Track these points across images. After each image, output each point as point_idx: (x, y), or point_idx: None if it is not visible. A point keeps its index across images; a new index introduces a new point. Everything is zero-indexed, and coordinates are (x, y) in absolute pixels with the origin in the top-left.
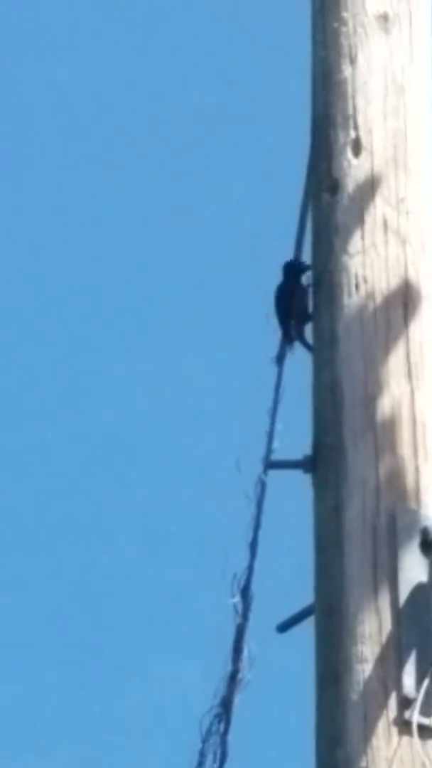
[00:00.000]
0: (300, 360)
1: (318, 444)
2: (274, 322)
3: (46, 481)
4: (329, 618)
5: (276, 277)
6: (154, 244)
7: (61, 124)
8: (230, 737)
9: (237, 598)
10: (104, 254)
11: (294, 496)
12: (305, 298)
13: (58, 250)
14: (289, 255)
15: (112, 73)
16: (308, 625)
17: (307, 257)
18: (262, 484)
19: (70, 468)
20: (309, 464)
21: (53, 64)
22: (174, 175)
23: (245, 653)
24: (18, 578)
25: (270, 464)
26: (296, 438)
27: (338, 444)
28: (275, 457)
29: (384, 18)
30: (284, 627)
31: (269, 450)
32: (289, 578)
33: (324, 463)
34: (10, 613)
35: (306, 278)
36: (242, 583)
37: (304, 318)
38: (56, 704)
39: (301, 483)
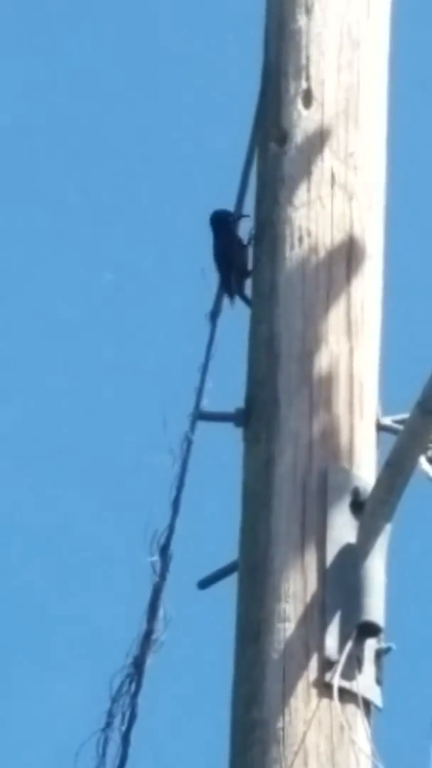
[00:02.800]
0: (236, 317)
1: (251, 398)
2: (210, 276)
3: None
4: (253, 575)
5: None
6: (89, 187)
7: None
8: (141, 699)
9: (155, 557)
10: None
11: (222, 452)
12: (246, 252)
13: None
14: (230, 205)
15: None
16: (230, 584)
17: (248, 209)
18: (188, 441)
19: None
20: (241, 418)
21: None
22: (113, 116)
23: (161, 613)
24: None
25: (200, 416)
26: (227, 396)
27: (272, 399)
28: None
29: None
30: (205, 583)
31: (198, 405)
32: (212, 536)
33: (257, 417)
34: None
35: (243, 230)
36: (162, 541)
37: (244, 272)
38: None
39: (230, 438)
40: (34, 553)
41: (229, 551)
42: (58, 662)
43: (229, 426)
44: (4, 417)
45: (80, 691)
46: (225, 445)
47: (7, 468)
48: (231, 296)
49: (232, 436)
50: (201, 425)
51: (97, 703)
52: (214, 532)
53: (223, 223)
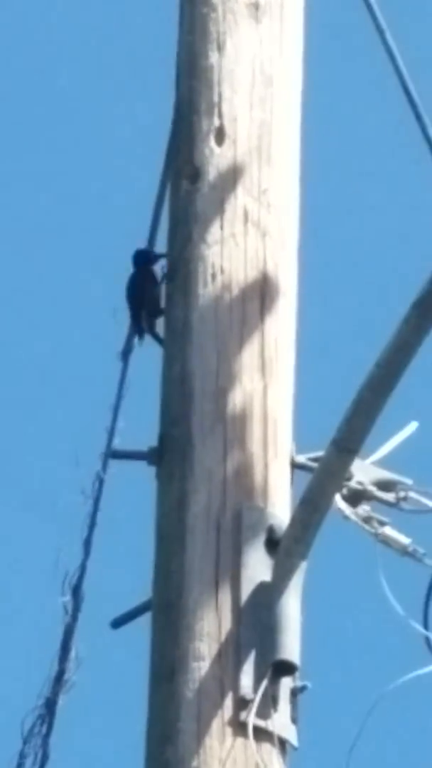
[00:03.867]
0: (149, 355)
1: (164, 436)
2: (122, 315)
3: None
4: (167, 613)
5: (129, 268)
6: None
7: None
8: (53, 739)
9: (67, 597)
10: None
11: (134, 491)
12: (158, 290)
13: None
14: (142, 243)
15: None
16: (143, 624)
17: (161, 246)
18: (100, 480)
19: None
20: (154, 456)
21: None
22: (26, 154)
23: (73, 653)
24: None
25: (113, 454)
26: (139, 436)
27: (186, 437)
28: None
29: (255, 6)
30: (119, 622)
31: (110, 444)
32: (125, 576)
33: (170, 455)
34: None
35: (160, 269)
36: (73, 581)
37: (156, 310)
38: None
39: (143, 477)
40: None
41: (141, 590)
42: None
43: (141, 465)
44: None
45: None
46: (137, 484)
47: None
48: (141, 335)
49: (144, 475)
50: (113, 464)
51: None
52: (126, 572)
53: (141, 260)
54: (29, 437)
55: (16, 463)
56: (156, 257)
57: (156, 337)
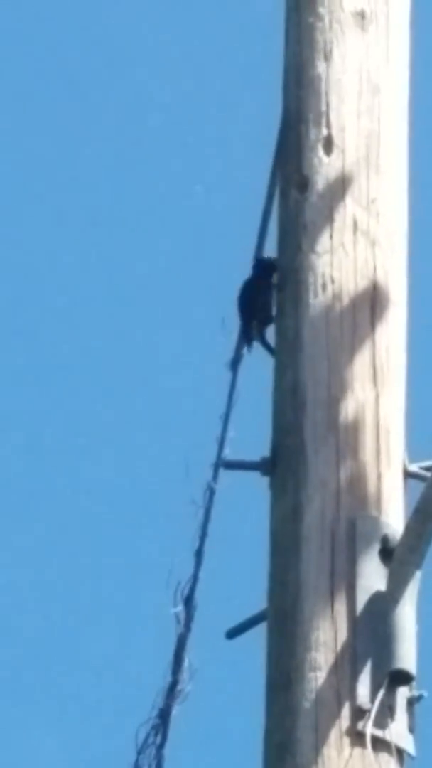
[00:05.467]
0: (257, 364)
1: (277, 446)
2: (231, 325)
3: None
4: (283, 624)
5: (236, 277)
6: (109, 238)
7: None
8: (168, 751)
9: (179, 608)
10: (57, 251)
11: (246, 501)
12: (270, 299)
13: None
14: (250, 253)
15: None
16: (255, 635)
17: (269, 255)
18: (211, 491)
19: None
20: (267, 466)
21: None
22: (134, 164)
23: (186, 664)
24: None
25: (225, 465)
26: (250, 446)
27: (299, 446)
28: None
29: (361, 15)
30: (234, 633)
31: (220, 454)
32: (238, 586)
33: (283, 465)
34: None
35: (274, 277)
36: (186, 591)
37: (267, 319)
38: None
39: (255, 487)
40: (56, 600)
41: (255, 601)
42: (81, 711)
43: (253, 475)
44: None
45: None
46: (249, 494)
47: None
48: (249, 344)
49: (256, 485)
50: (225, 475)
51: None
52: (240, 582)
53: (258, 268)
54: (140, 448)
55: (128, 473)
56: (275, 265)
57: (267, 345)
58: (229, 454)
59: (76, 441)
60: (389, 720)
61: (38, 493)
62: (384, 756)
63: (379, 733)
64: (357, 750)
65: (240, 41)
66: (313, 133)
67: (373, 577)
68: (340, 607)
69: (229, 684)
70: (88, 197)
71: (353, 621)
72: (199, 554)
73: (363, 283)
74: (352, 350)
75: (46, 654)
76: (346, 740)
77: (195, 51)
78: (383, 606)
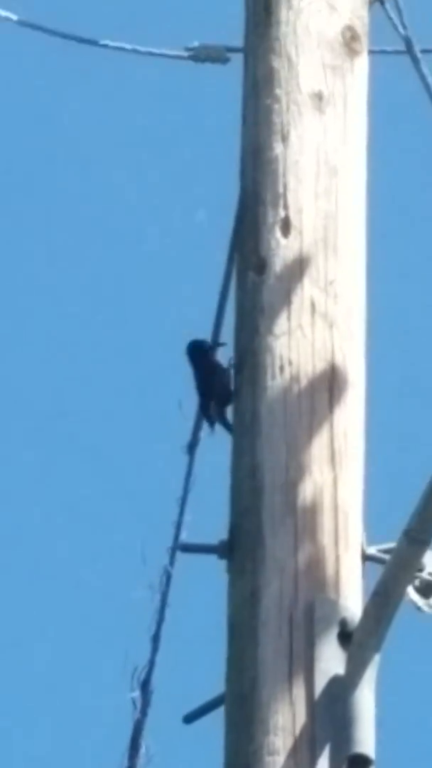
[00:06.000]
0: (214, 446)
1: (235, 529)
2: (188, 408)
3: None
4: (241, 708)
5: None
6: (69, 322)
7: None
8: None
9: (136, 693)
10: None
11: (203, 585)
12: (227, 380)
13: None
14: (207, 335)
15: None
16: (213, 719)
17: (226, 338)
18: (168, 575)
19: None
20: (225, 549)
21: None
22: (85, 253)
23: (143, 749)
24: None
25: (182, 548)
26: (207, 529)
27: (257, 529)
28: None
29: (318, 97)
30: (191, 717)
31: (177, 538)
32: (195, 670)
33: (241, 548)
34: None
35: (227, 361)
36: (142, 676)
37: (226, 399)
38: None
39: (213, 571)
40: (12, 691)
41: (212, 685)
42: None
43: (211, 558)
44: None
45: None
46: (207, 578)
47: None
48: (211, 425)
49: (214, 569)
50: (181, 558)
51: None
52: (197, 666)
53: (201, 352)
54: (97, 531)
55: (84, 560)
56: (213, 347)
57: (227, 425)
58: (186, 537)
59: (32, 522)
60: None
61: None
62: None
63: None
64: None
65: (197, 122)
66: (270, 215)
67: (331, 660)
68: (299, 691)
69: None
70: (46, 295)
71: (312, 705)
72: (155, 639)
73: (321, 366)
74: (310, 433)
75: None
76: None
77: (153, 132)
78: (342, 690)
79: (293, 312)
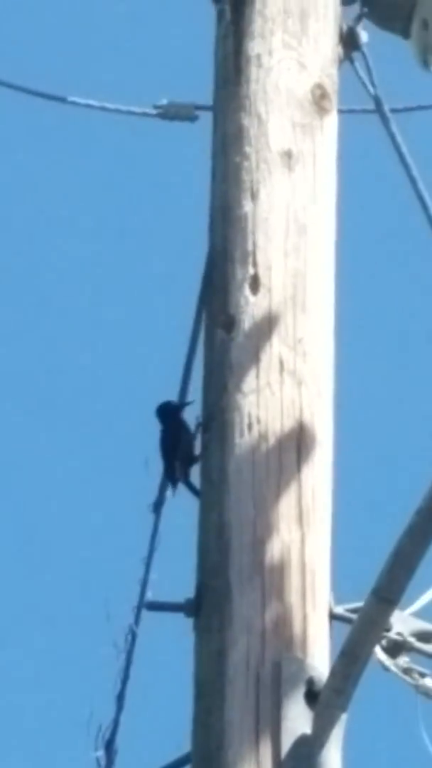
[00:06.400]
0: (180, 504)
1: (202, 587)
2: (154, 466)
3: None
4: (207, 767)
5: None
6: (40, 383)
7: None
8: None
9: (100, 752)
10: None
11: (168, 644)
12: (191, 439)
13: None
14: (175, 393)
15: None
16: None
17: (194, 395)
18: (133, 634)
19: None
20: (191, 608)
21: None
22: (60, 300)
23: None
24: None
25: (149, 606)
26: (172, 588)
27: (224, 587)
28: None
29: (288, 155)
30: None
31: (143, 596)
32: (161, 729)
33: (208, 607)
34: None
35: (194, 419)
36: (107, 735)
37: (190, 459)
38: None
39: (178, 629)
40: None
41: (178, 744)
42: None
43: (177, 617)
44: None
45: None
46: (172, 637)
47: None
48: (174, 485)
49: (180, 628)
50: (147, 617)
51: None
52: (162, 725)
53: (168, 412)
54: (61, 591)
55: (48, 617)
56: (180, 406)
57: (191, 486)
58: (151, 596)
59: (2, 579)
60: None
61: None
62: None
63: None
64: None
65: (165, 179)
66: (239, 272)
67: (298, 719)
68: (265, 750)
69: None
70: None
71: (278, 764)
72: (120, 698)
73: (289, 423)
74: (277, 491)
75: None
76: None
77: (120, 189)
78: (308, 749)
79: (262, 370)
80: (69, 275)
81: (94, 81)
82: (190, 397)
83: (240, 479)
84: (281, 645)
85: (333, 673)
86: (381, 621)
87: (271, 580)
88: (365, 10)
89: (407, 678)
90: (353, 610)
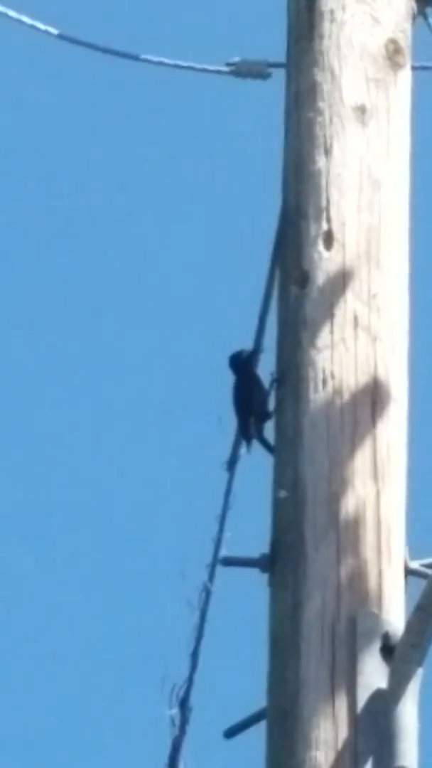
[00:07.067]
0: (253, 461)
1: (277, 542)
2: (227, 423)
3: None
4: (282, 723)
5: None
6: (109, 342)
7: None
8: None
9: (175, 710)
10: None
11: (243, 600)
12: (265, 395)
13: None
14: (248, 348)
15: None
16: (255, 735)
17: (268, 351)
18: (207, 591)
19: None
20: (266, 563)
21: None
22: (128, 260)
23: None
24: None
25: (224, 561)
26: (246, 546)
27: (299, 543)
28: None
29: (361, 110)
30: (232, 732)
31: (216, 554)
32: (236, 685)
33: (282, 562)
34: None
35: (269, 374)
36: (181, 694)
37: (265, 416)
38: None
39: (253, 585)
40: (53, 708)
41: (253, 700)
42: None
43: (252, 573)
44: (25, 564)
45: None
46: (247, 593)
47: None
48: (249, 442)
49: (255, 584)
50: (221, 574)
51: None
52: (237, 682)
53: (241, 367)
54: (136, 549)
55: (123, 574)
56: (253, 354)
57: (265, 443)
58: (224, 554)
59: (79, 539)
60: None
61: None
62: None
63: None
64: None
65: (238, 137)
66: (313, 228)
67: (374, 674)
68: (341, 705)
69: None
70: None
71: (354, 719)
72: (194, 656)
73: (364, 379)
74: (352, 446)
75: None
76: None
77: (194, 146)
78: (384, 704)
79: (336, 325)
80: (143, 232)
81: (166, 38)
82: (264, 354)
83: (314, 435)
84: (356, 600)
85: (408, 627)
86: None
87: (346, 536)
88: None
89: None
90: (429, 565)
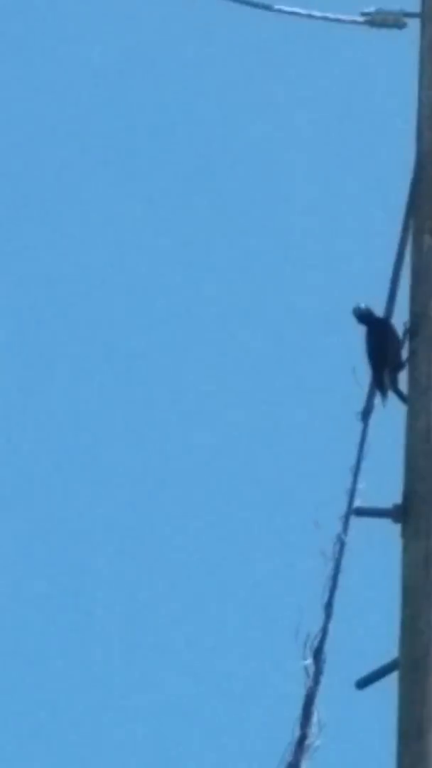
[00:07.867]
0: (386, 413)
1: (409, 492)
2: (361, 375)
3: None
4: (414, 673)
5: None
6: (242, 289)
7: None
8: None
9: (309, 661)
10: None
11: (376, 551)
12: (400, 346)
13: None
14: (382, 300)
15: None
16: (387, 685)
17: (402, 302)
18: (341, 542)
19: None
20: (399, 513)
21: None
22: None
23: (315, 718)
24: None
25: (356, 512)
26: (379, 496)
27: (431, 493)
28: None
29: None
30: (364, 683)
31: (351, 505)
32: (369, 636)
33: (415, 512)
34: None
35: (402, 324)
36: (315, 645)
37: (399, 366)
38: None
39: (386, 536)
40: (184, 665)
41: (385, 651)
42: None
43: (384, 524)
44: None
45: None
46: (380, 544)
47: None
48: (384, 394)
49: (387, 534)
50: (354, 526)
51: None
52: (371, 631)
53: (374, 318)
54: (270, 502)
55: (257, 528)
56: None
57: (398, 393)
58: (358, 505)
59: (208, 492)
60: None
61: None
62: None
63: None
64: None
65: (372, 87)
66: None
67: None
68: None
69: (359, 735)
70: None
71: None
72: (328, 607)
73: None
74: None
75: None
76: None
77: (328, 96)
78: None
79: None
80: (279, 181)
81: None
82: (397, 303)
83: None
84: None
85: None
86: None
87: None
88: None
89: None
90: None
